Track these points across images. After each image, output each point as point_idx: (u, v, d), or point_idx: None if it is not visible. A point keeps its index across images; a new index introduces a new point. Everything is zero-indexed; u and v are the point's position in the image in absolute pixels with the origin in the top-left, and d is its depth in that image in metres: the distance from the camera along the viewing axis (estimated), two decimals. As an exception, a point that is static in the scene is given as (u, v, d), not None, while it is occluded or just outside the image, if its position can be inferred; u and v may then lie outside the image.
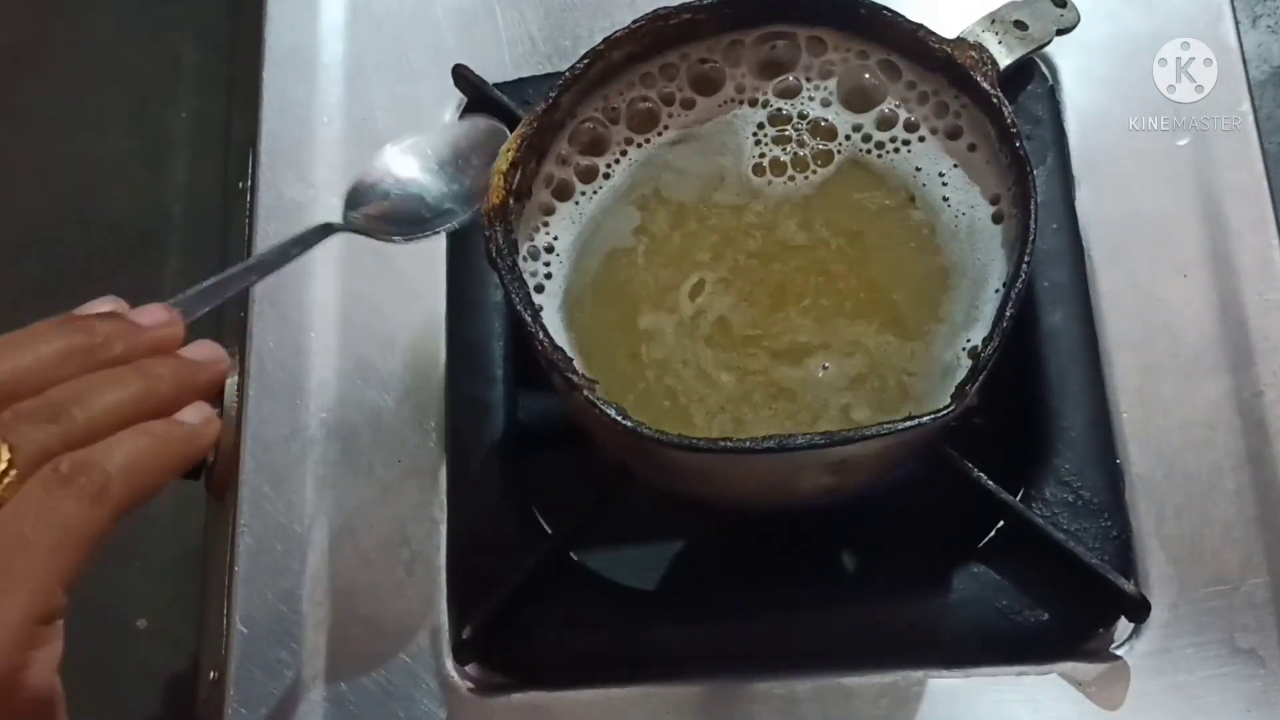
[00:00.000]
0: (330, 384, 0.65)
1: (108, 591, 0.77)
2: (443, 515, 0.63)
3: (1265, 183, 0.65)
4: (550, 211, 0.59)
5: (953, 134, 0.59)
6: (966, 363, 0.54)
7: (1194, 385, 0.62)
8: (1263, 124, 0.67)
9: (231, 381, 0.65)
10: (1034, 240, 0.54)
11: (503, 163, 0.56)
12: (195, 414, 0.47)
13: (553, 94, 0.58)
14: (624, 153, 0.60)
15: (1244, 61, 0.67)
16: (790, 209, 0.59)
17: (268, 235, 0.68)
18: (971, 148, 0.58)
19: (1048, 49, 0.64)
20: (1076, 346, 0.63)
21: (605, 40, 0.59)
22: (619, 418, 0.51)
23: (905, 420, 0.51)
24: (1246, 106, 0.66)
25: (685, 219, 0.59)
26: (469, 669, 0.61)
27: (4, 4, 0.92)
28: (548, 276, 0.57)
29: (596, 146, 0.60)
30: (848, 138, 0.60)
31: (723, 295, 0.57)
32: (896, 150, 0.59)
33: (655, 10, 0.59)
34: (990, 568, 0.60)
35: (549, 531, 0.62)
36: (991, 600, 0.59)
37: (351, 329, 0.66)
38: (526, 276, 0.56)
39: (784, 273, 0.57)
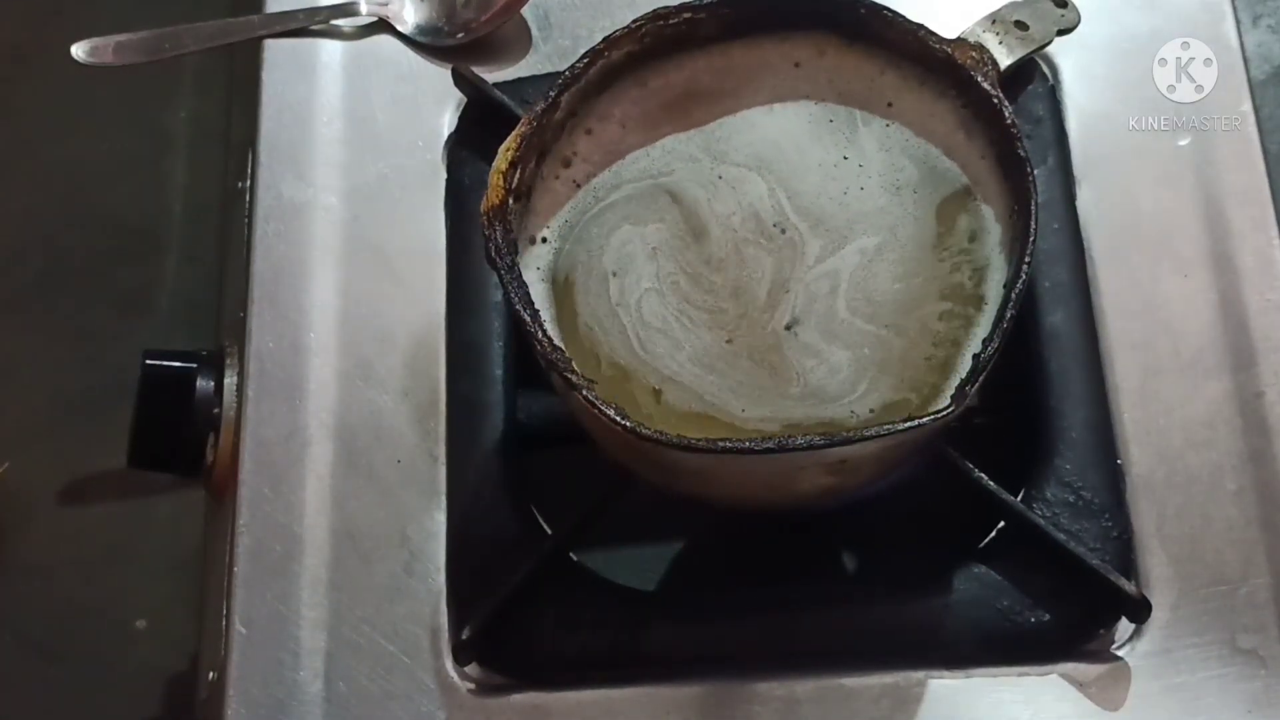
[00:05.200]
0: (330, 384, 0.65)
1: (108, 591, 0.77)
2: (442, 515, 0.63)
3: (1266, 183, 0.65)
4: (550, 211, 0.59)
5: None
6: (967, 363, 0.54)
7: (1195, 385, 0.62)
8: (1263, 124, 0.67)
9: (231, 381, 0.65)
10: (1034, 240, 0.54)
11: (502, 162, 0.56)
12: None
13: (553, 94, 0.58)
14: (625, 152, 0.60)
15: (1244, 61, 0.67)
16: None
17: (267, 235, 0.68)
18: (972, 148, 0.58)
19: (1048, 49, 0.64)
20: (1077, 346, 0.63)
21: (605, 40, 0.59)
22: (619, 418, 0.51)
23: (905, 421, 0.51)
24: (1247, 106, 0.66)
25: (690, 218, 0.59)
26: (469, 669, 0.60)
27: (4, 4, 0.91)
28: (545, 275, 0.57)
29: (597, 146, 0.60)
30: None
31: (726, 287, 0.57)
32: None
33: (655, 10, 0.59)
34: (991, 568, 0.60)
35: (549, 531, 0.62)
36: (992, 601, 0.59)
37: (351, 329, 0.66)
38: (525, 275, 0.56)
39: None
